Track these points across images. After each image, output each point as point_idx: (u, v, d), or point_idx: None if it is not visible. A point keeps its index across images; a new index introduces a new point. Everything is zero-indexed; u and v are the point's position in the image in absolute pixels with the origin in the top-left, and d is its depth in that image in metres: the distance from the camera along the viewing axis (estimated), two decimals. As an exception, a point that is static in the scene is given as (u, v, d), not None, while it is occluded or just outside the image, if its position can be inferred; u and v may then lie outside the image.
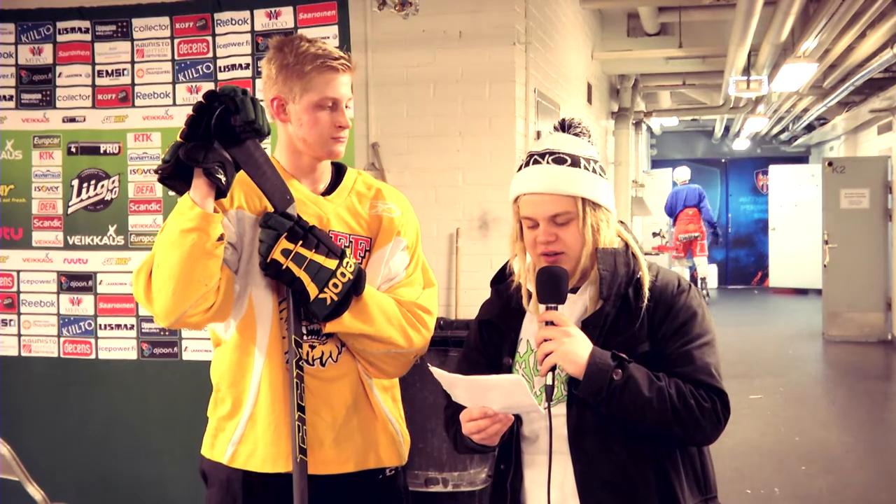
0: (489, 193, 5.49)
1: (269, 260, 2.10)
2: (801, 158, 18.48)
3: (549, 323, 1.99)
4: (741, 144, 17.86)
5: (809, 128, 15.01)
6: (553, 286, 2.01)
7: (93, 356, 3.85)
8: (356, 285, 2.16)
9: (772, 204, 17.11)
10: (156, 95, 3.77)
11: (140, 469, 3.82)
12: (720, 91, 11.15)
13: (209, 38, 3.71)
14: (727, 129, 16.55)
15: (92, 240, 3.84)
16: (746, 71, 9.11)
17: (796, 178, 16.80)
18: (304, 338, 2.22)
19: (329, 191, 2.32)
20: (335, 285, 2.12)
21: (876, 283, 11.57)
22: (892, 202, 11.53)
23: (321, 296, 2.12)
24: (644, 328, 2.03)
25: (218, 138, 2.06)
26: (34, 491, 3.87)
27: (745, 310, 14.81)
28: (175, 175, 2.08)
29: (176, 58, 3.75)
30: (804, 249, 15.52)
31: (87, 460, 3.87)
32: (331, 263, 2.12)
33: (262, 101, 2.19)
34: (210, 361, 3.68)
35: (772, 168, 17.34)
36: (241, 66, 3.67)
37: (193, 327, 2.23)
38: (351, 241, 2.27)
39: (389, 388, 2.38)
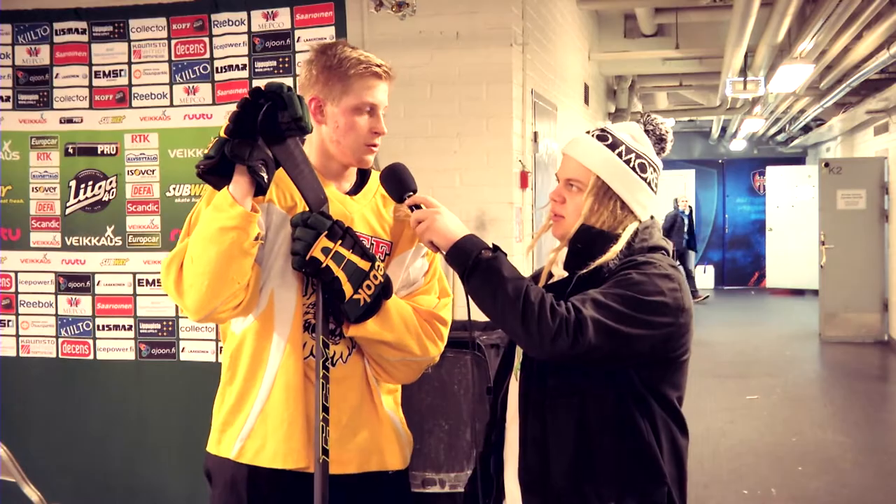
0: (486, 194, 5.50)
1: (308, 258, 2.09)
2: (797, 159, 18.50)
3: (417, 207, 2.12)
4: (738, 145, 17.89)
5: (806, 129, 15.04)
6: (397, 177, 2.18)
7: (91, 357, 3.85)
8: (385, 290, 2.18)
9: (769, 205, 17.16)
10: (153, 96, 3.77)
11: (138, 469, 3.82)
12: (717, 92, 11.15)
13: (206, 39, 3.71)
14: (724, 129, 16.56)
15: (90, 240, 3.84)
16: (743, 72, 9.12)
17: (793, 179, 16.85)
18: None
19: (354, 191, 2.33)
20: (368, 287, 2.13)
21: (872, 284, 11.59)
22: (889, 203, 11.54)
23: (355, 296, 2.12)
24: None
25: (261, 136, 2.06)
26: (31, 492, 3.87)
27: (742, 310, 14.83)
28: (213, 170, 2.08)
29: (173, 59, 3.74)
30: (801, 250, 15.56)
31: (84, 461, 3.86)
32: (365, 265, 2.13)
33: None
34: (207, 362, 3.72)
35: (769, 169, 17.39)
36: (238, 66, 3.67)
37: (220, 322, 2.24)
38: (372, 244, 2.27)
39: (393, 391, 2.39)
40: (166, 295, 3.71)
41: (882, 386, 9.43)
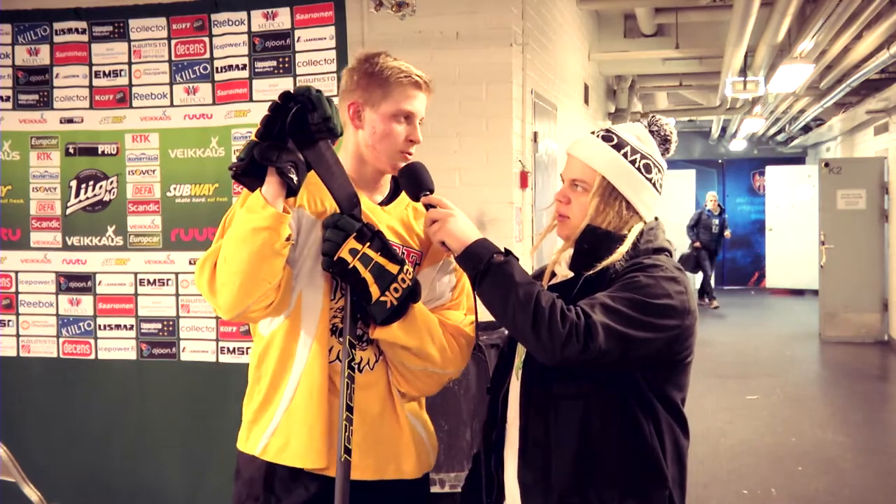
0: (486, 194, 5.50)
1: (335, 258, 2.12)
2: (797, 159, 18.51)
3: (431, 207, 2.15)
4: (738, 145, 17.89)
5: (806, 129, 15.04)
6: (415, 176, 2.20)
7: (92, 356, 3.85)
8: (413, 293, 2.20)
9: (769, 205, 17.16)
10: (153, 96, 3.77)
11: (138, 469, 3.82)
12: (717, 92, 11.15)
13: (206, 39, 3.71)
14: (724, 129, 16.57)
15: (91, 240, 3.84)
16: (743, 72, 9.12)
17: (793, 179, 16.85)
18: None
19: (386, 202, 2.35)
20: (396, 290, 2.16)
21: (872, 284, 11.59)
22: (889, 203, 11.55)
23: (382, 298, 2.15)
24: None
25: (292, 138, 2.10)
26: (31, 492, 3.87)
27: (742, 310, 14.82)
28: (248, 172, 2.12)
29: (173, 59, 3.74)
30: (801, 250, 15.55)
31: (85, 461, 3.86)
32: (393, 268, 2.15)
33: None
34: (208, 362, 3.72)
35: (769, 169, 17.38)
36: (238, 66, 3.67)
37: (252, 322, 2.27)
38: (403, 252, 2.29)
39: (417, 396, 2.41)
40: (167, 295, 3.76)
41: (882, 386, 9.44)
